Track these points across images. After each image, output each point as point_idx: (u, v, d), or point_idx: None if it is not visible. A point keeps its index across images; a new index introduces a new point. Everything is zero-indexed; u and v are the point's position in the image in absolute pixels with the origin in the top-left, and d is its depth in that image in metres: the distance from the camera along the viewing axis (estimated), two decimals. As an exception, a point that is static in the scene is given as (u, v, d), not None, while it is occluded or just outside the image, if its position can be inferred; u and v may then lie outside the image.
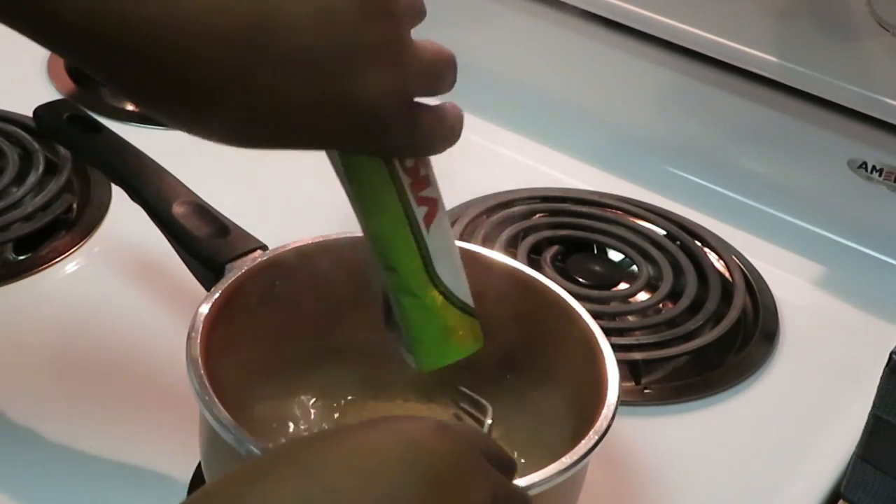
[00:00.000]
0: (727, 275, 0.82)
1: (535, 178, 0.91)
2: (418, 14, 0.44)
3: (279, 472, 0.35)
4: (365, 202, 0.49)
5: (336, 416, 0.63)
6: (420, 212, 0.49)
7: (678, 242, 0.84)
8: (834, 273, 0.86)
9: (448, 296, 0.50)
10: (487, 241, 0.80)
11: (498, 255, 0.66)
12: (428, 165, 0.50)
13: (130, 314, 0.73)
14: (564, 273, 0.80)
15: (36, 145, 0.84)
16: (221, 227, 0.63)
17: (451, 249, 0.51)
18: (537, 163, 0.94)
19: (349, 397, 0.63)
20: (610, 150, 0.96)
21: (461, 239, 0.78)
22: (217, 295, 0.57)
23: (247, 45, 0.37)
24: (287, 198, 0.87)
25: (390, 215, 0.49)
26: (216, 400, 0.51)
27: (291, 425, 0.62)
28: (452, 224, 0.83)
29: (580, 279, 0.80)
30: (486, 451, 0.40)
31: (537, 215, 0.86)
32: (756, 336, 0.77)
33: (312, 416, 0.62)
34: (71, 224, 0.80)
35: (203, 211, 0.64)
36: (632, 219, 0.87)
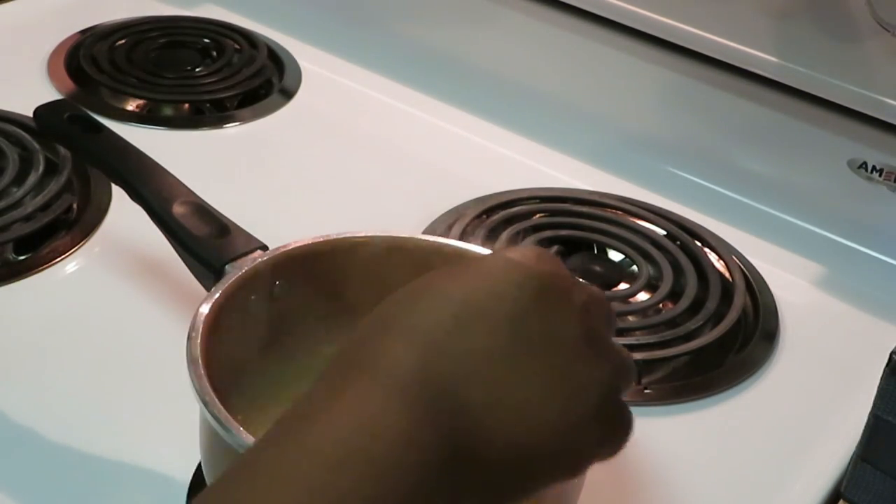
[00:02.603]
0: (727, 275, 0.82)
1: (535, 178, 0.91)
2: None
3: (431, 297, 0.44)
4: None
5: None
6: None
7: (678, 242, 0.84)
8: (834, 273, 0.86)
9: None
10: (487, 241, 0.80)
11: (498, 255, 0.66)
12: None
13: (130, 314, 0.73)
14: (564, 273, 0.80)
15: (36, 145, 0.84)
16: (221, 227, 0.63)
17: None
18: (537, 163, 0.94)
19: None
20: (610, 150, 0.96)
21: (461, 239, 0.78)
22: (217, 295, 0.57)
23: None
24: (287, 198, 0.87)
25: None
26: (216, 400, 0.51)
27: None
28: (452, 224, 0.83)
29: (580, 279, 0.80)
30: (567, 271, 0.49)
31: (537, 215, 0.86)
32: (756, 336, 0.77)
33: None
34: (71, 224, 0.80)
35: (203, 211, 0.64)
36: (632, 219, 0.87)
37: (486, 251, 0.65)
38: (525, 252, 0.45)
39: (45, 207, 0.79)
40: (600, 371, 0.44)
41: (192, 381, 0.52)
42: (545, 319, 0.43)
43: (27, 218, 0.78)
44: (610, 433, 0.45)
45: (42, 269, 0.76)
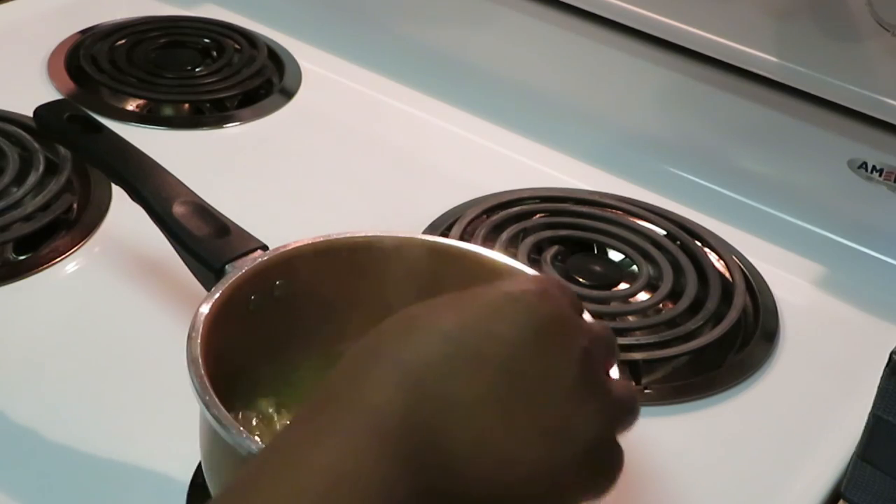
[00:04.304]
0: (727, 275, 0.82)
1: (535, 178, 0.91)
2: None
3: (423, 332, 0.42)
4: None
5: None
6: None
7: (678, 242, 0.84)
8: (834, 273, 0.86)
9: None
10: (488, 241, 0.80)
11: (498, 255, 0.66)
12: None
13: (130, 314, 0.73)
14: (564, 273, 0.80)
15: (36, 145, 0.84)
16: (221, 227, 0.63)
17: None
18: (537, 163, 0.94)
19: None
20: (610, 150, 0.96)
21: (462, 239, 0.78)
22: (217, 295, 0.57)
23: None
24: (287, 198, 0.87)
25: None
26: (216, 400, 0.51)
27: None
28: (452, 224, 0.83)
29: (580, 279, 0.80)
30: (573, 304, 0.47)
31: (537, 215, 0.86)
32: (756, 336, 0.77)
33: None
34: (71, 224, 0.80)
35: (203, 211, 0.63)
36: (632, 219, 0.87)
37: (487, 252, 0.65)
38: (527, 287, 0.44)
39: (45, 207, 0.79)
40: (593, 415, 0.43)
41: (192, 381, 0.52)
42: (540, 363, 0.42)
43: (27, 218, 0.78)
44: (598, 475, 0.44)
45: (42, 269, 0.76)
